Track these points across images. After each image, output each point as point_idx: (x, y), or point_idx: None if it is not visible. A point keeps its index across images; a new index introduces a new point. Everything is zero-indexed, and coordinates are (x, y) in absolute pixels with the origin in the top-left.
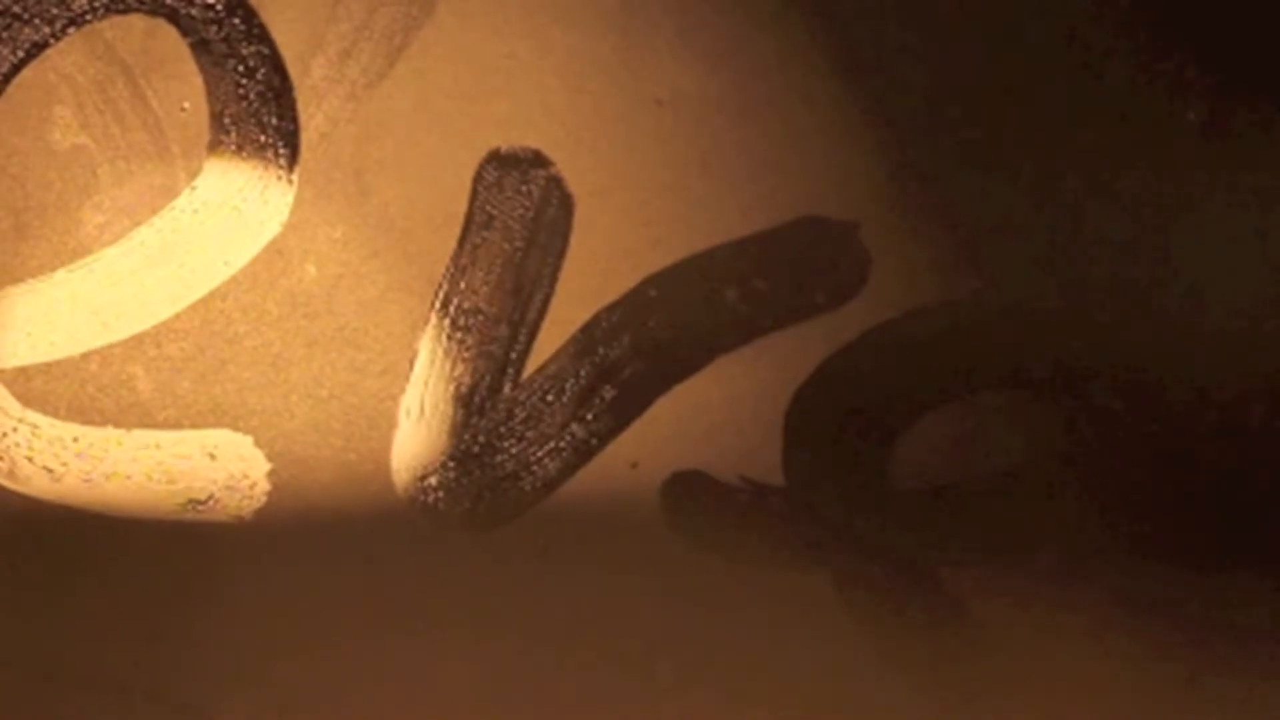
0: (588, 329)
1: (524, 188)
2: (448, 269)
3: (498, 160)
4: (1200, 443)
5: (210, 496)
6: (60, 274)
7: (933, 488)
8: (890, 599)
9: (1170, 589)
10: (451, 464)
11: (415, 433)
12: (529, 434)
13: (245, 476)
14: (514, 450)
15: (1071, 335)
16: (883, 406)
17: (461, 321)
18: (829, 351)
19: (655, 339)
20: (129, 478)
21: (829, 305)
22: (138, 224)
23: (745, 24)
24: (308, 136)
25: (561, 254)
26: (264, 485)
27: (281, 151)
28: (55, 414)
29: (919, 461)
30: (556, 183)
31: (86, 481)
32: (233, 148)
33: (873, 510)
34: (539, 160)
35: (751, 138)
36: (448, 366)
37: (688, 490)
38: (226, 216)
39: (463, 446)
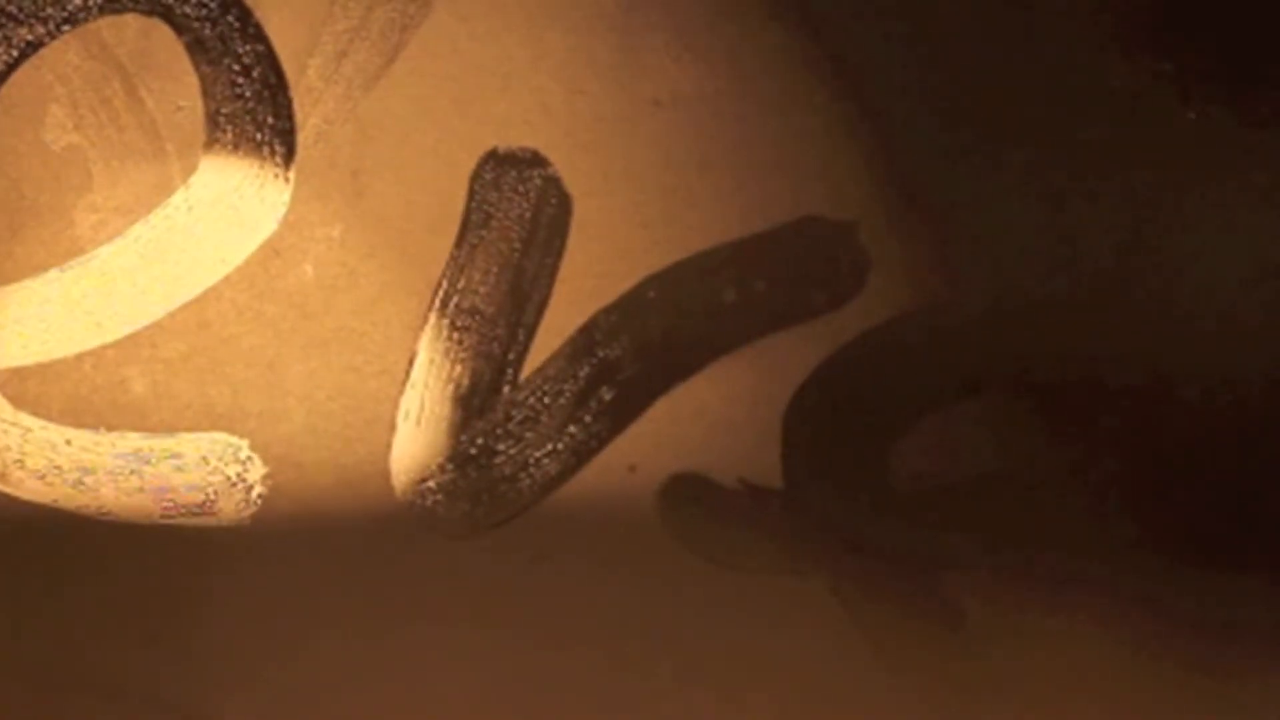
0: (586, 330)
1: (522, 188)
2: (446, 269)
3: (495, 160)
4: (1204, 441)
5: (206, 500)
6: (53, 273)
7: (933, 489)
8: (889, 601)
9: (1173, 588)
10: (450, 466)
11: (414, 435)
12: (527, 435)
13: (241, 480)
14: (512, 452)
15: (1073, 336)
16: (882, 408)
17: (460, 322)
18: (828, 353)
19: (653, 340)
20: (122, 480)
21: (828, 306)
22: (132, 222)
23: (743, 25)
24: (304, 135)
25: (559, 254)
26: (260, 489)
27: (278, 149)
28: (48, 416)
29: (919, 463)
30: (554, 183)
31: (79, 485)
32: (229, 145)
33: (872, 512)
34: (537, 160)
35: (749, 139)
36: (446, 368)
37: (686, 492)
38: (222, 214)
39: (461, 448)
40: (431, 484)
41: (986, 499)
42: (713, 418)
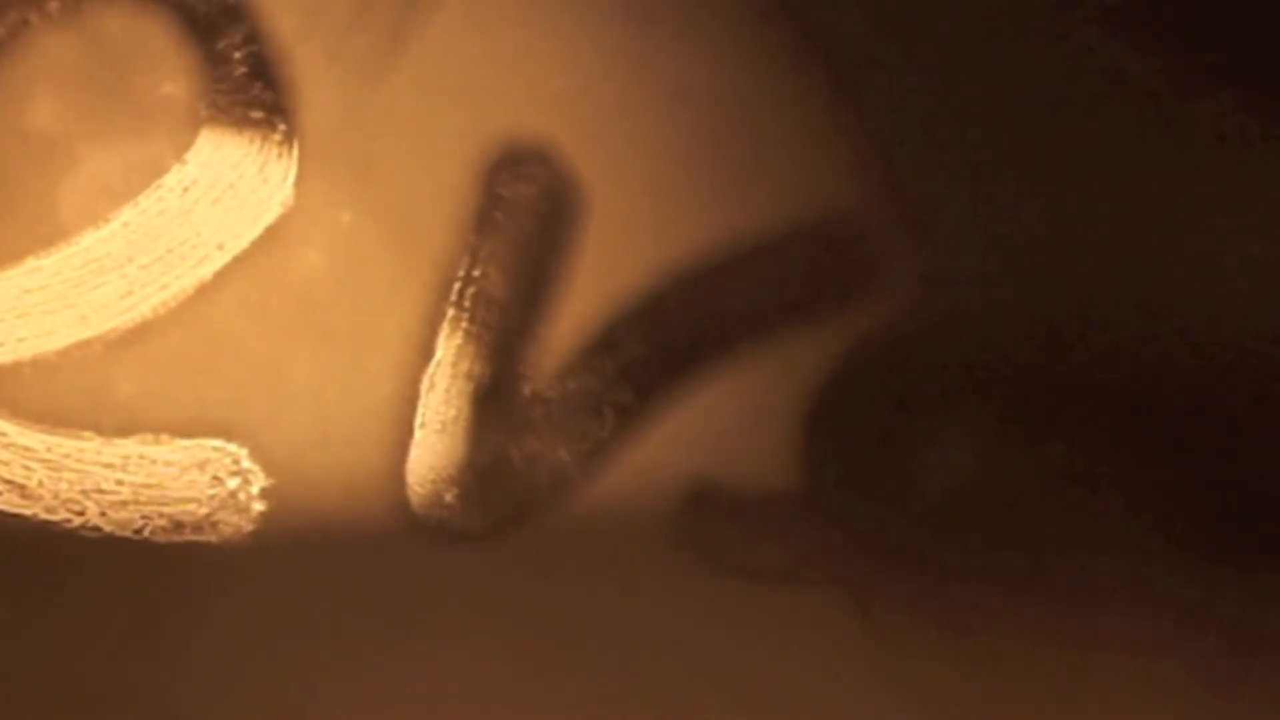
0: (606, 329)
1: (535, 178)
2: (463, 261)
3: (507, 149)
4: (1222, 441)
5: (200, 514)
6: (31, 261)
7: (951, 494)
8: (907, 614)
9: (1200, 594)
10: (469, 474)
11: (432, 440)
12: (546, 436)
13: (241, 492)
14: (530, 453)
15: (1085, 336)
16: (900, 412)
17: (478, 317)
18: (846, 354)
19: (670, 341)
20: (108, 492)
21: (846, 306)
22: (121, 206)
23: (760, 15)
24: (312, 115)
25: (574, 247)
26: (262, 502)
27: (279, 126)
28: (27, 419)
29: (937, 467)
30: (568, 174)
31: (61, 496)
32: (225, 123)
33: (891, 520)
34: (550, 149)
35: (764, 132)
36: (464, 366)
37: (697, 498)
38: (221, 194)
39: (480, 452)
40: (449, 492)
41: (1007, 504)
42: (726, 421)
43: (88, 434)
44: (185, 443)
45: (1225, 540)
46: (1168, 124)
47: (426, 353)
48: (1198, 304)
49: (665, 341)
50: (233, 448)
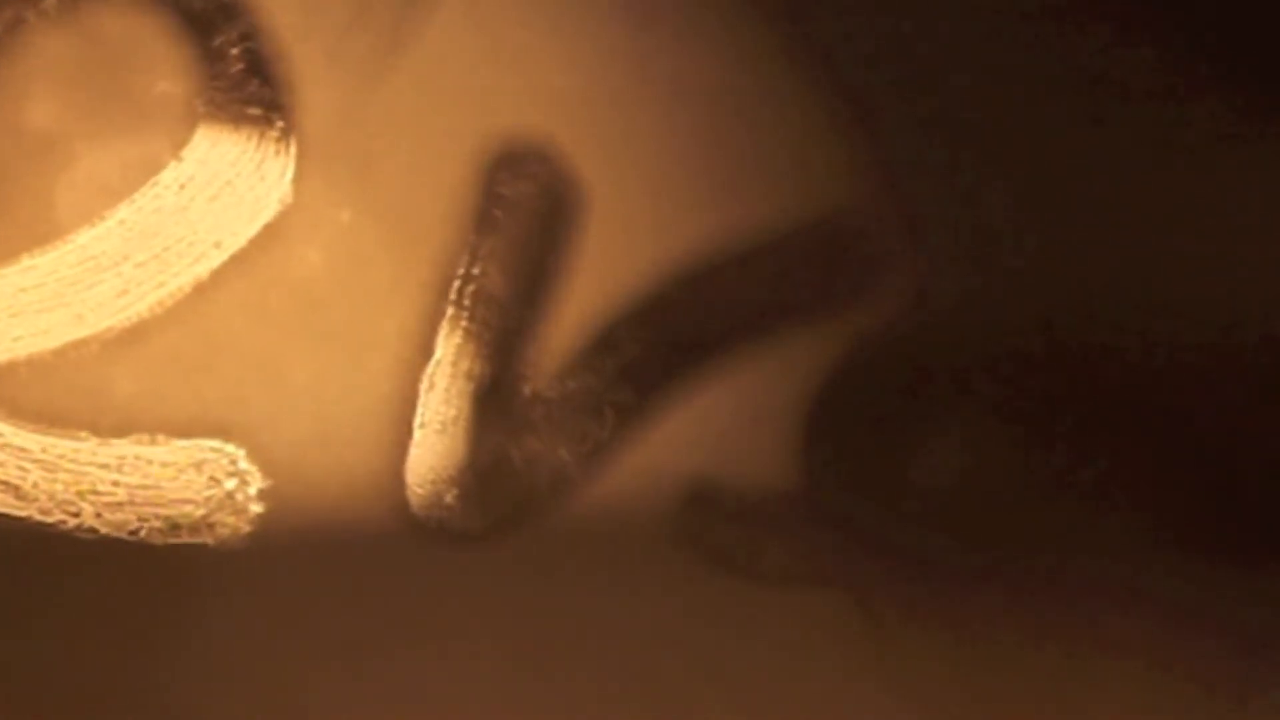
0: (605, 330)
1: (535, 177)
2: (463, 260)
3: (507, 148)
4: (1222, 441)
5: (197, 515)
6: (27, 260)
7: (952, 495)
8: (908, 614)
9: (1210, 595)
10: (469, 474)
11: (432, 441)
12: (547, 436)
13: (238, 493)
14: (531, 453)
15: (1085, 336)
16: (900, 412)
17: (479, 316)
18: (845, 353)
19: (672, 341)
20: (104, 494)
21: (846, 306)
22: (118, 203)
23: (759, 15)
24: (311, 114)
25: (574, 245)
26: (260, 503)
27: (277, 124)
28: (22, 420)
29: (938, 468)
30: (568, 172)
31: (57, 498)
32: (224, 119)
33: (891, 520)
34: (550, 148)
35: (764, 132)
36: (465, 365)
37: (697, 498)
38: (218, 192)
39: (481, 453)
40: (449, 492)
41: (1012, 502)
42: (727, 421)
43: (84, 434)
44: (182, 443)
45: (1225, 540)
46: (1168, 124)
47: (426, 352)
48: (1197, 304)
49: (665, 341)
50: (230, 448)
